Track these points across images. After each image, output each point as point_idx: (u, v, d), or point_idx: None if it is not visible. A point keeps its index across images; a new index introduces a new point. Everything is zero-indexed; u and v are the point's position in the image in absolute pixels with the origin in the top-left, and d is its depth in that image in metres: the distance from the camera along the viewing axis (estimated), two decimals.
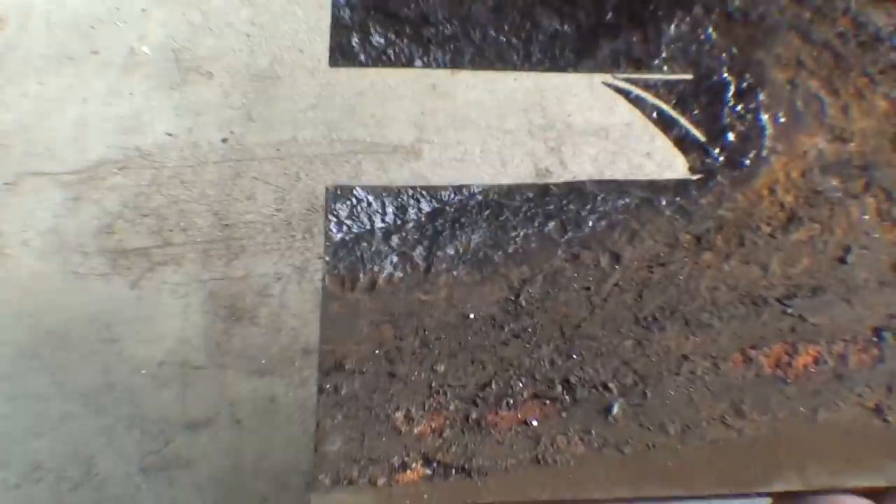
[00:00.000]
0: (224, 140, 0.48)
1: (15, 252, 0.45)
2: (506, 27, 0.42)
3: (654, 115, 0.44)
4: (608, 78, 0.44)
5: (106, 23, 0.50)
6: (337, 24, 0.40)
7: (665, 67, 0.43)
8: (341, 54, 0.41)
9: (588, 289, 0.36)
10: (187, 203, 0.47)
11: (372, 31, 0.40)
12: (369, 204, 0.36)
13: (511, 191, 0.39)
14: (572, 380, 0.33)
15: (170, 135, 0.48)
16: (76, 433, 0.42)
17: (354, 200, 0.37)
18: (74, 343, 0.44)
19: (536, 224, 0.37)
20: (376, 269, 0.35)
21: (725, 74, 0.44)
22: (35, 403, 0.42)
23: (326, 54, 0.47)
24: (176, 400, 0.44)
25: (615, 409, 0.33)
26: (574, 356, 0.34)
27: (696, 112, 0.43)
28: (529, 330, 0.34)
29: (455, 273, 0.35)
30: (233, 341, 0.46)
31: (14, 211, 0.46)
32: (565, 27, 0.42)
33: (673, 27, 0.43)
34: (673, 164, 0.44)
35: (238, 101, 0.48)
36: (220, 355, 0.46)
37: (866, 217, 0.42)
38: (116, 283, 0.45)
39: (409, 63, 0.41)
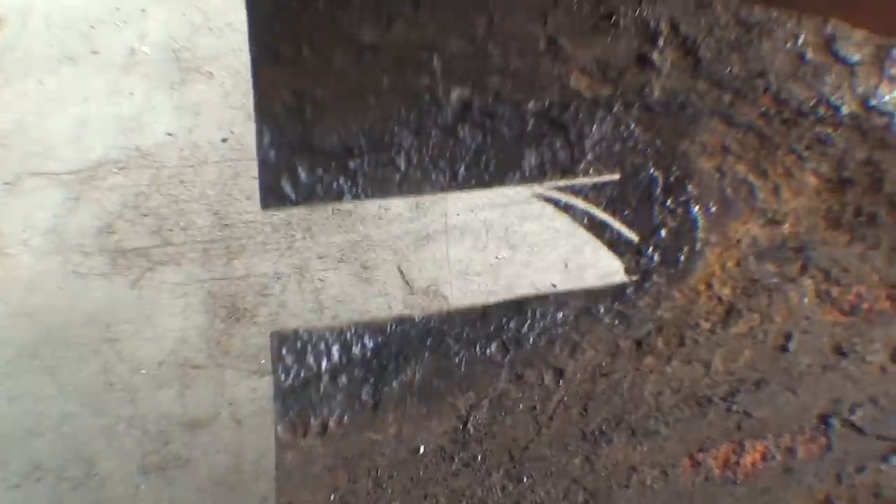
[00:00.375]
0: (224, 140, 0.48)
1: (15, 252, 0.45)
2: (429, 149, 0.43)
3: (585, 220, 0.44)
4: (536, 189, 0.44)
5: (106, 23, 0.50)
6: (264, 166, 0.41)
7: (591, 170, 0.44)
8: (272, 196, 0.42)
9: (534, 408, 0.37)
10: (187, 203, 0.47)
11: (299, 169, 0.41)
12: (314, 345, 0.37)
13: (451, 315, 0.40)
14: None
15: (170, 135, 0.48)
16: (76, 433, 0.42)
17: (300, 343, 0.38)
18: (74, 343, 0.44)
19: (478, 347, 0.38)
20: (326, 412, 0.35)
21: (652, 170, 0.44)
22: (35, 403, 0.42)
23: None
24: (176, 400, 0.44)
25: None
26: (524, 479, 0.35)
27: (626, 213, 0.44)
28: (479, 458, 0.35)
29: (403, 408, 0.36)
30: (233, 341, 0.46)
31: (14, 211, 0.46)
32: (488, 141, 0.42)
33: (595, 128, 0.43)
34: (608, 270, 0.44)
35: (238, 101, 0.48)
36: (220, 355, 0.46)
37: (805, 300, 0.43)
38: (116, 282, 0.45)
39: (339, 197, 0.42)
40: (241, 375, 0.46)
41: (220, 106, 0.48)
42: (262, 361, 0.47)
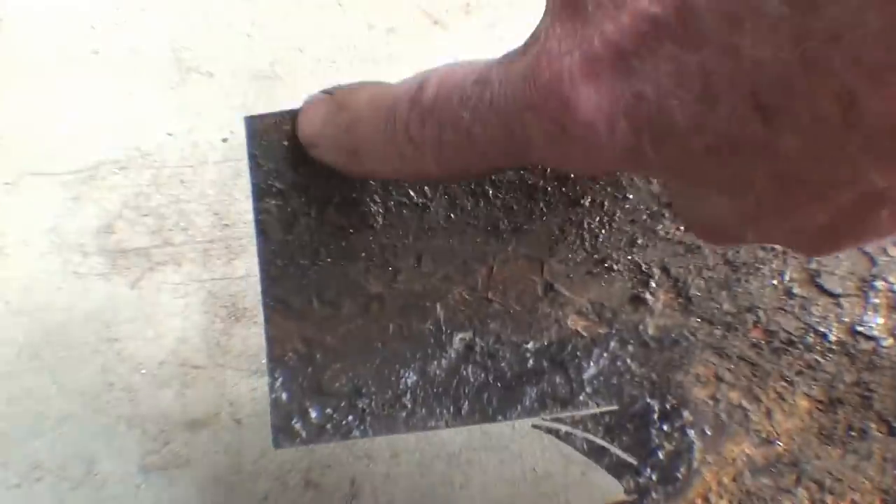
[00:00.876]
0: (224, 140, 0.48)
1: (15, 252, 0.45)
2: (434, 388, 0.45)
3: (585, 447, 0.46)
4: (537, 420, 0.46)
5: (106, 23, 0.50)
6: (276, 407, 0.44)
7: (590, 403, 0.46)
8: (284, 435, 0.44)
9: None
10: (187, 203, 0.47)
11: (310, 409, 0.44)
12: None
13: None
14: None
15: (170, 135, 0.48)
16: (76, 433, 0.42)
17: None
18: (74, 343, 0.44)
19: None
20: None
21: (648, 400, 0.47)
22: (35, 403, 0.42)
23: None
24: (176, 399, 0.44)
25: None
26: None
27: (625, 438, 0.46)
28: None
29: None
30: (233, 341, 0.46)
31: (14, 211, 0.46)
32: (490, 380, 0.45)
33: (592, 364, 0.46)
34: (608, 489, 0.46)
35: (238, 101, 0.48)
36: (220, 355, 0.46)
37: None
38: (116, 282, 0.45)
39: (347, 435, 0.45)
40: (241, 375, 0.46)
41: (221, 106, 0.48)
42: (263, 361, 0.47)
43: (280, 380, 0.42)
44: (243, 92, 0.48)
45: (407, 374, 0.44)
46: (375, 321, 0.44)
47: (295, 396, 0.43)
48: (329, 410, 0.43)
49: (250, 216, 0.47)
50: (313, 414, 0.44)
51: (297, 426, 0.44)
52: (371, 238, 0.44)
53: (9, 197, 0.46)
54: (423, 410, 0.45)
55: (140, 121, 0.48)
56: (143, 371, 0.44)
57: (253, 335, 0.46)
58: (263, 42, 0.49)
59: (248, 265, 0.47)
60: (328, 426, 0.44)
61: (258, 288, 0.47)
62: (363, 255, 0.44)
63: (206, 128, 0.48)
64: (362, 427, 0.44)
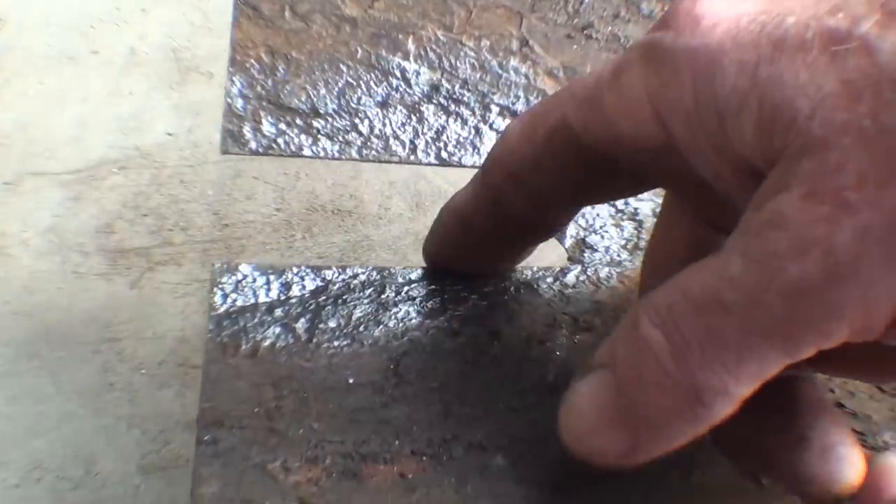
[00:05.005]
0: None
1: (15, 252, 0.45)
2: (393, 121, 0.45)
3: None
4: None
5: (106, 23, 0.50)
6: (229, 114, 0.42)
7: None
8: (233, 141, 0.43)
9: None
10: (187, 203, 0.47)
11: (263, 121, 0.43)
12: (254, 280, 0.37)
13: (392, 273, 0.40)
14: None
15: (170, 134, 0.48)
16: (76, 433, 0.42)
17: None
18: (74, 343, 0.44)
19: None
20: (258, 337, 0.36)
21: None
22: (35, 403, 0.42)
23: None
24: (176, 399, 0.44)
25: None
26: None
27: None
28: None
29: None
30: None
31: (14, 211, 0.46)
32: (450, 123, 0.44)
33: None
34: (542, 255, 0.44)
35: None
36: None
37: None
38: (116, 282, 0.45)
39: (297, 153, 0.43)
40: None
41: (221, 106, 0.48)
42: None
43: (237, 86, 0.41)
44: None
45: (368, 103, 0.43)
46: (345, 44, 0.43)
47: (250, 105, 0.42)
48: (283, 126, 0.42)
49: (251, 216, 0.47)
50: (266, 125, 0.42)
51: (248, 135, 0.43)
52: None
53: (9, 197, 0.46)
54: (379, 143, 0.44)
55: (140, 121, 0.48)
56: (143, 371, 0.44)
57: None
58: None
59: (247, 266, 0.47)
60: (280, 140, 0.43)
61: None
62: None
63: (206, 127, 0.48)
64: (314, 148, 0.43)
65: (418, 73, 0.44)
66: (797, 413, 0.28)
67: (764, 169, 0.22)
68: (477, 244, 0.37)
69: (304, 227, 0.47)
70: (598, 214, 0.44)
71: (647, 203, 0.45)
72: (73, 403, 0.43)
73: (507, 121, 0.45)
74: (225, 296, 0.37)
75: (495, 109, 0.45)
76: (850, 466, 0.26)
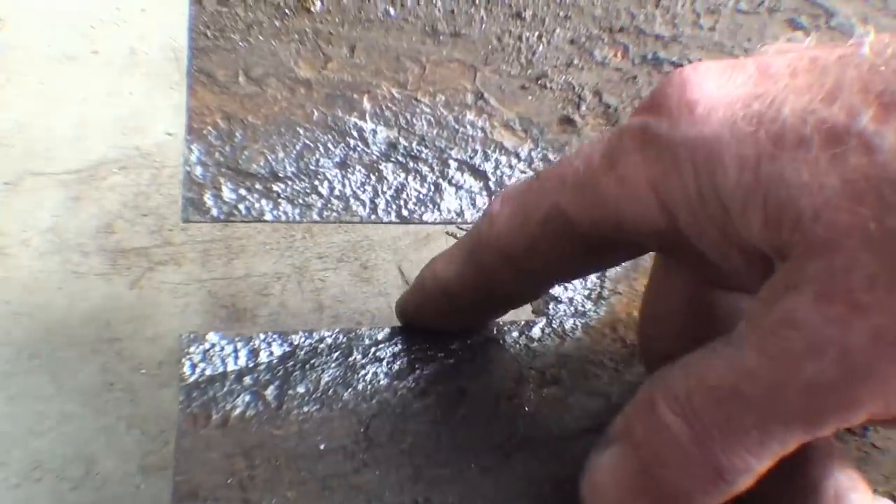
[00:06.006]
0: None
1: (15, 252, 0.45)
2: (352, 182, 0.45)
3: None
4: (452, 228, 0.45)
5: (106, 23, 0.50)
6: (188, 182, 0.42)
7: None
8: (194, 209, 0.43)
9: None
10: None
11: (223, 187, 0.43)
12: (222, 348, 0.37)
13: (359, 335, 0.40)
14: None
15: (170, 134, 0.48)
16: (76, 433, 0.42)
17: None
18: (74, 343, 0.44)
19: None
20: (228, 406, 0.36)
21: None
22: (35, 403, 0.42)
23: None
24: (176, 400, 0.44)
25: None
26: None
27: None
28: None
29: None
30: None
31: (14, 211, 0.46)
32: (409, 181, 0.44)
33: (514, 177, 0.45)
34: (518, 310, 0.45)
35: None
36: None
37: None
38: (116, 282, 0.45)
39: (259, 218, 0.43)
40: None
41: None
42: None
43: (196, 154, 0.41)
44: None
45: (326, 165, 0.43)
46: (300, 106, 0.43)
47: (210, 172, 0.42)
48: (243, 191, 0.42)
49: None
50: (226, 192, 0.42)
51: (209, 203, 0.43)
52: (307, 21, 0.43)
53: (9, 197, 0.46)
54: (339, 204, 0.44)
55: (140, 121, 0.48)
56: (143, 371, 0.44)
57: None
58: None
59: (247, 265, 0.47)
60: (241, 206, 0.43)
61: (258, 287, 0.47)
62: (296, 37, 0.43)
63: None
64: (275, 212, 0.43)
65: (375, 132, 0.44)
66: (807, 460, 0.27)
67: (773, 257, 0.22)
68: (460, 312, 0.37)
69: (304, 227, 0.47)
70: None
71: None
72: (74, 403, 0.43)
73: (466, 175, 0.45)
74: (193, 366, 0.36)
75: (454, 164, 0.45)
76: None
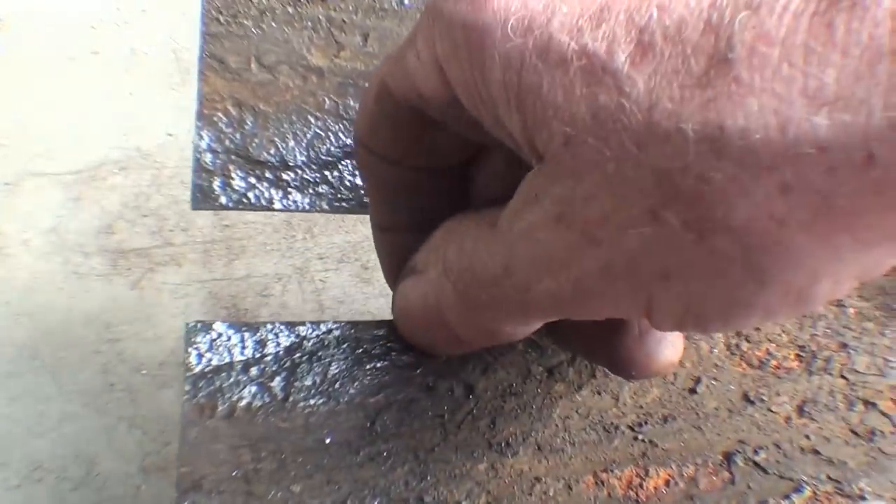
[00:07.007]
0: None
1: (15, 252, 0.45)
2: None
3: None
4: None
5: (106, 23, 0.50)
6: (199, 169, 0.42)
7: None
8: (203, 196, 0.43)
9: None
10: (188, 203, 0.47)
11: (233, 175, 0.42)
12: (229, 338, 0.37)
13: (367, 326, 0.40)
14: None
15: (170, 135, 0.48)
16: (76, 433, 0.42)
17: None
18: (74, 343, 0.44)
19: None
20: (235, 397, 0.36)
21: None
22: (35, 403, 0.42)
23: None
24: (176, 400, 0.44)
25: None
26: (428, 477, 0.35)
27: None
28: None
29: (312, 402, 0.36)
30: None
31: (14, 211, 0.46)
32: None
33: None
34: None
35: None
36: None
37: (716, 351, 0.43)
38: (117, 283, 0.45)
39: (269, 206, 0.43)
40: None
41: None
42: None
43: (206, 140, 0.41)
44: None
45: (338, 153, 0.43)
46: (312, 94, 0.42)
47: (220, 159, 0.42)
48: (253, 179, 0.42)
49: (251, 216, 0.47)
50: (236, 180, 0.42)
51: (219, 190, 0.42)
52: (320, 9, 0.43)
53: (9, 197, 0.46)
54: (350, 194, 0.43)
55: (140, 121, 0.48)
56: (144, 371, 0.44)
57: None
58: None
59: (248, 265, 0.47)
60: (250, 195, 0.42)
61: (259, 288, 0.47)
62: (309, 24, 0.42)
63: None
64: (285, 201, 0.42)
65: None
66: None
67: (532, 156, 0.23)
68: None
69: (305, 228, 0.47)
70: None
71: None
72: (74, 404, 0.43)
73: None
74: (200, 355, 0.36)
75: None
76: (668, 347, 0.28)
